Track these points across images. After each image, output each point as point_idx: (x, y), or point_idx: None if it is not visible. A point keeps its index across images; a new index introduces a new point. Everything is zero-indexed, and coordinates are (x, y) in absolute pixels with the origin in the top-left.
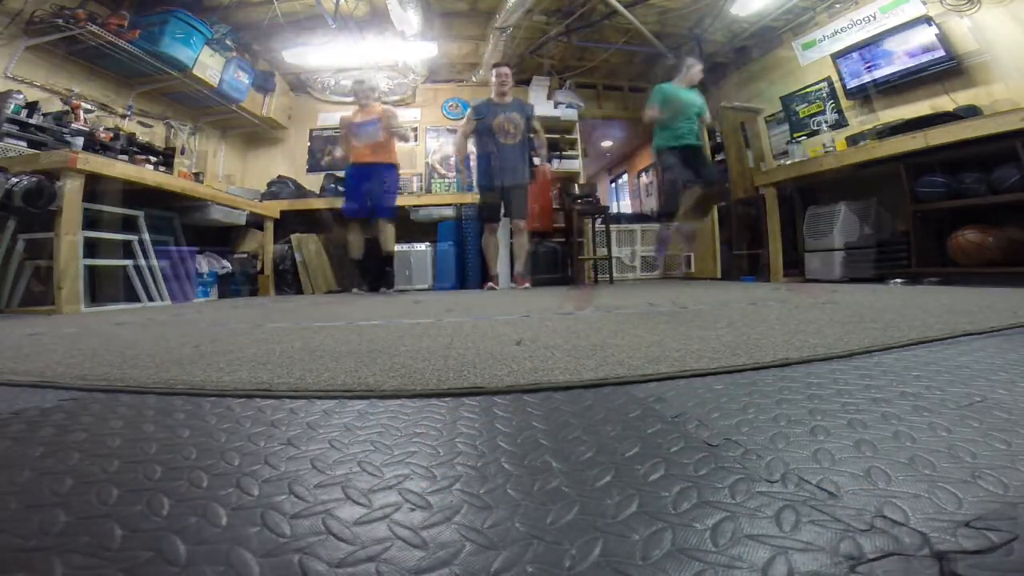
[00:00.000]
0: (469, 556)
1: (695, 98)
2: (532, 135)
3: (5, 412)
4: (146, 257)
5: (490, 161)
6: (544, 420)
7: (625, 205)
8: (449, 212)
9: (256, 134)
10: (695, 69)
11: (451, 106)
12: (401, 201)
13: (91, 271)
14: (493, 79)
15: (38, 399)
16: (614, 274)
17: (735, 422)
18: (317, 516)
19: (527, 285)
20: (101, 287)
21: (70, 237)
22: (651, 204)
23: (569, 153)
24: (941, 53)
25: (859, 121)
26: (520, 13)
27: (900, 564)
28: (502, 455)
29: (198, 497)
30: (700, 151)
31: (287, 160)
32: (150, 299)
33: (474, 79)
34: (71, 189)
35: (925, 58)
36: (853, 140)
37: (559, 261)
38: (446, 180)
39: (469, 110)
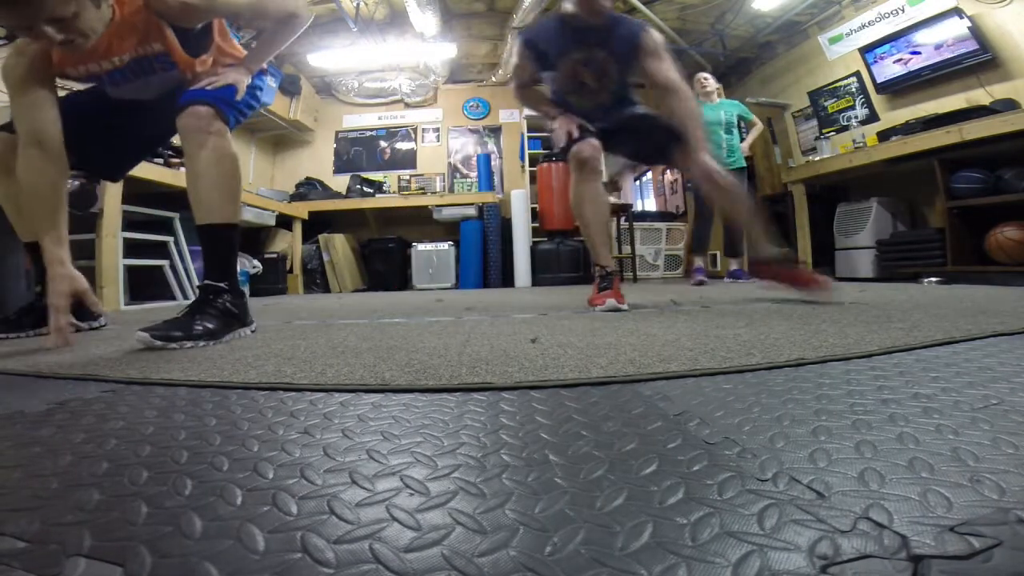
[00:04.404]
0: (458, 538)
1: (719, 113)
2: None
3: (52, 402)
4: (181, 258)
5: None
6: (548, 415)
7: (650, 203)
8: (472, 212)
9: (284, 136)
10: (696, 83)
11: (472, 106)
12: (424, 201)
13: (129, 271)
14: None
15: (81, 391)
16: (637, 273)
17: (737, 421)
18: (323, 498)
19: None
20: (139, 286)
21: (110, 238)
22: (676, 201)
23: None
24: (974, 46)
25: (890, 116)
26: (537, 12)
27: (873, 566)
28: (503, 447)
29: (218, 479)
30: (735, 173)
31: (314, 162)
32: (185, 297)
33: (494, 79)
34: (111, 192)
35: (958, 51)
36: (884, 135)
37: (580, 260)
38: (468, 180)
39: None
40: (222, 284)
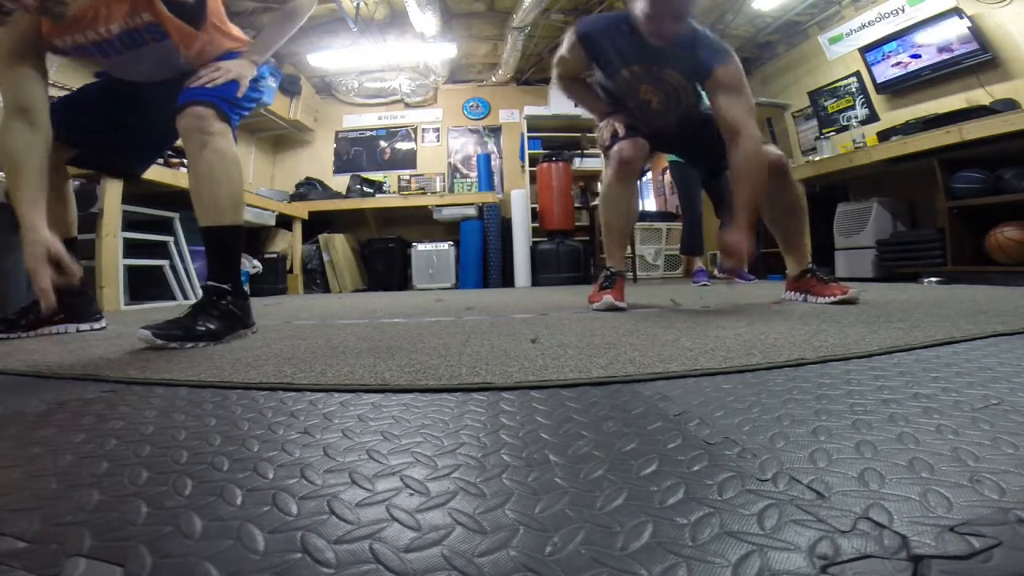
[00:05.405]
0: (458, 538)
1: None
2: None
3: (52, 402)
4: (181, 258)
5: None
6: (548, 415)
7: (649, 203)
8: (472, 212)
9: (284, 136)
10: None
11: (472, 106)
12: (424, 201)
13: (129, 271)
14: None
15: (81, 391)
16: (638, 273)
17: (737, 421)
18: (323, 498)
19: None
20: (139, 286)
21: (110, 238)
22: (676, 201)
23: (591, 151)
24: (974, 46)
25: (890, 116)
26: (537, 12)
27: (873, 566)
28: (503, 447)
29: (218, 479)
30: None
31: (314, 162)
32: (185, 297)
33: (493, 79)
34: (110, 192)
35: (958, 51)
36: (884, 135)
37: (580, 260)
38: (468, 180)
39: None
40: (225, 286)
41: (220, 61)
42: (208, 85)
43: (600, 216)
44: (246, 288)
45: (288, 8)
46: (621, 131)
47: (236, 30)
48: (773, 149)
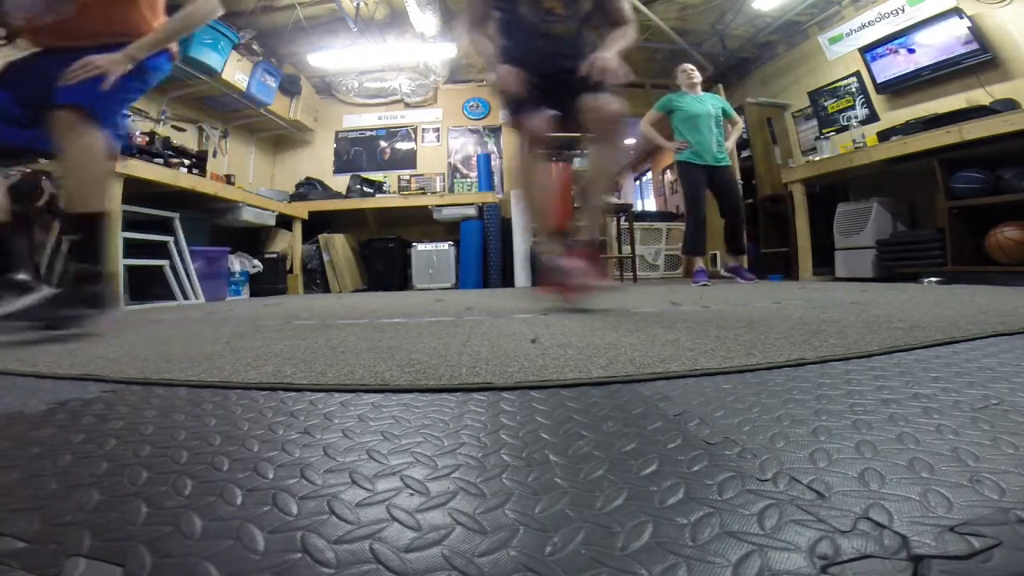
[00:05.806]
0: (458, 538)
1: (707, 105)
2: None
3: (52, 402)
4: (181, 258)
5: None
6: (548, 415)
7: (650, 203)
8: (472, 212)
9: (284, 136)
10: (682, 73)
11: (472, 106)
12: (424, 201)
13: (130, 271)
14: None
15: (80, 391)
16: (638, 273)
17: (737, 421)
18: (323, 498)
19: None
20: (139, 286)
21: (110, 238)
22: (676, 201)
23: None
24: (975, 46)
25: (890, 116)
26: None
27: (873, 566)
28: (503, 447)
29: (218, 479)
30: (722, 172)
31: (314, 162)
32: (185, 297)
33: None
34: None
35: (958, 51)
36: (884, 135)
37: None
38: (468, 180)
39: None
40: (99, 267)
41: (94, 55)
42: (74, 82)
43: (525, 196)
44: (246, 288)
45: (187, 11)
46: (523, 87)
47: (161, 19)
48: (620, 100)
